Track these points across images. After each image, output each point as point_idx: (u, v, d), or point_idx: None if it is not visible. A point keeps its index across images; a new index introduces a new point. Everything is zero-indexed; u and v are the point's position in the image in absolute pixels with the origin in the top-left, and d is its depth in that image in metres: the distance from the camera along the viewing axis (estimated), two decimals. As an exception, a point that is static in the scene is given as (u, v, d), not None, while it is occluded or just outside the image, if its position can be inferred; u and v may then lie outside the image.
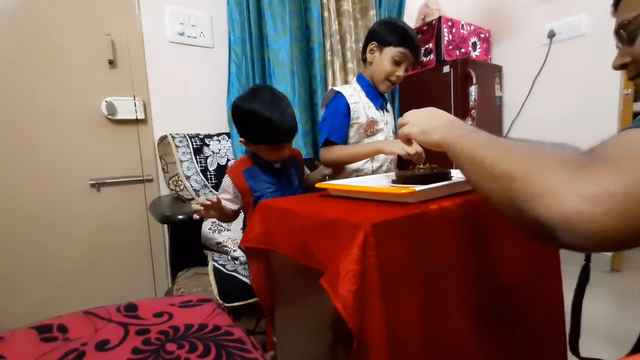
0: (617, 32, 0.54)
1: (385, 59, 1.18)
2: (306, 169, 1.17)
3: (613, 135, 0.35)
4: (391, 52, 1.16)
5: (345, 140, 1.19)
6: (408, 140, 0.67)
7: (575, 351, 0.74)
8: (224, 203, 0.96)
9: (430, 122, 0.58)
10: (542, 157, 0.34)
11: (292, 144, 0.98)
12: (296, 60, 1.61)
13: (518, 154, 0.37)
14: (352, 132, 1.19)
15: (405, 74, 1.23)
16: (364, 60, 1.26)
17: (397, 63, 1.17)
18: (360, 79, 1.26)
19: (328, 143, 1.16)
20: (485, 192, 0.41)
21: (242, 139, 0.95)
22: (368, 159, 1.20)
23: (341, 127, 1.17)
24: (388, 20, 1.37)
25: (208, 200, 0.84)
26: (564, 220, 0.29)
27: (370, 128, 1.21)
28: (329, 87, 1.66)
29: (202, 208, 0.84)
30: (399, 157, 1.34)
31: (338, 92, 1.19)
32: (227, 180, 0.98)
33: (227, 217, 1.00)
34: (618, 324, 1.26)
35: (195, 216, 0.87)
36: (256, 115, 0.87)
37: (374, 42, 1.20)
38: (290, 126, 0.91)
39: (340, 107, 1.17)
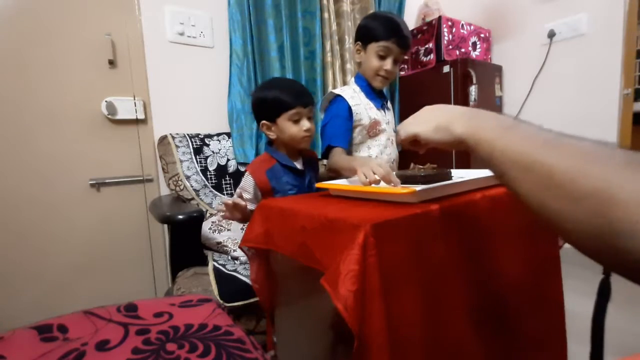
0: None
1: (370, 56, 1.16)
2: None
3: None
4: (374, 47, 1.14)
5: (349, 144, 1.17)
6: (415, 142, 0.54)
7: None
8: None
9: (444, 116, 0.47)
10: None
11: (312, 117, 0.99)
12: (296, 62, 1.61)
13: (609, 164, 0.26)
14: (355, 134, 1.18)
15: (398, 67, 1.19)
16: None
17: (382, 57, 1.15)
18: (359, 79, 1.24)
19: (331, 149, 1.13)
20: (552, 214, 0.29)
21: (264, 122, 0.96)
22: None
23: (344, 130, 1.14)
24: (371, 14, 1.34)
25: (235, 202, 0.85)
26: None
27: (373, 129, 1.20)
28: (329, 89, 1.66)
29: (224, 208, 0.85)
30: (399, 157, 1.34)
31: (338, 95, 1.17)
32: (248, 180, 0.95)
33: (247, 218, 0.94)
34: (618, 325, 1.26)
35: (219, 216, 0.87)
36: (273, 86, 0.96)
37: (358, 42, 1.19)
38: (305, 89, 0.98)
39: (342, 111, 1.15)
